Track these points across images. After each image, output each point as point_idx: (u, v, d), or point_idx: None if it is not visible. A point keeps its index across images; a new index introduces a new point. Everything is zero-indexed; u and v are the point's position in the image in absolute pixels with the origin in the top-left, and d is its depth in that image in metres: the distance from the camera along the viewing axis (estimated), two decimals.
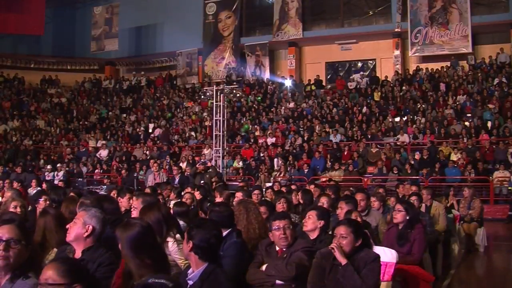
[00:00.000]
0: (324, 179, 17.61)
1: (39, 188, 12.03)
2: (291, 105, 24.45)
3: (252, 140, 21.86)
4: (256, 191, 8.49)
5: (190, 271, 3.52)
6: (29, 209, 7.00)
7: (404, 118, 21.21)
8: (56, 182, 17.33)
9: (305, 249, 4.39)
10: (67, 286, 2.59)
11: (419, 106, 21.52)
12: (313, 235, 5.03)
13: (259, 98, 25.75)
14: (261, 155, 20.18)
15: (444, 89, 22.32)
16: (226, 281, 3.43)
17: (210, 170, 16.44)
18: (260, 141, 21.66)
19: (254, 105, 25.08)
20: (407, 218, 6.17)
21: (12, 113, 27.55)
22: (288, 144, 20.86)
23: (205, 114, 24.68)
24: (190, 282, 3.42)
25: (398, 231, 6.29)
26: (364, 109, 22.52)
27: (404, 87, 23.35)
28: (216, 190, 9.05)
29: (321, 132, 21.21)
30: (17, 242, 2.97)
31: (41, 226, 4.59)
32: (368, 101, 23.24)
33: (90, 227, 3.76)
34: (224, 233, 4.49)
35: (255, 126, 23.22)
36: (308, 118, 22.68)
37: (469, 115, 20.37)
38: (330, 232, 4.84)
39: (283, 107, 24.35)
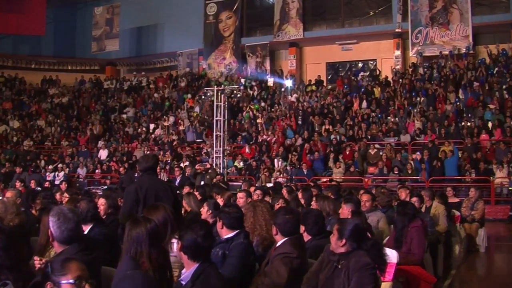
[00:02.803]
0: (324, 180, 17.64)
1: (39, 188, 12.07)
2: (293, 99, 24.44)
3: (253, 140, 21.88)
4: (258, 191, 8.48)
5: (183, 271, 3.57)
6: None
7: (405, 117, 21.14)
8: (56, 182, 17.37)
9: (283, 255, 4.29)
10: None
11: (419, 107, 21.45)
12: (305, 239, 5.00)
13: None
14: (262, 155, 20.18)
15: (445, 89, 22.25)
16: (217, 280, 3.43)
17: (210, 170, 16.47)
18: (260, 139, 21.68)
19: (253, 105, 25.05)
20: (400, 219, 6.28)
21: (13, 114, 27.57)
22: (289, 144, 20.85)
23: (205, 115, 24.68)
24: (183, 283, 3.46)
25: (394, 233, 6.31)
26: (364, 105, 22.47)
27: (404, 87, 23.25)
28: (215, 191, 9.03)
29: (321, 131, 21.24)
30: None
31: (45, 224, 4.57)
32: (369, 99, 23.18)
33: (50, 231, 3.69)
34: (232, 234, 4.53)
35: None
36: (308, 117, 22.65)
37: (469, 115, 20.32)
38: None
39: (283, 107, 24.31)
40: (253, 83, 26.60)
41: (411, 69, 24.55)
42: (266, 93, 25.83)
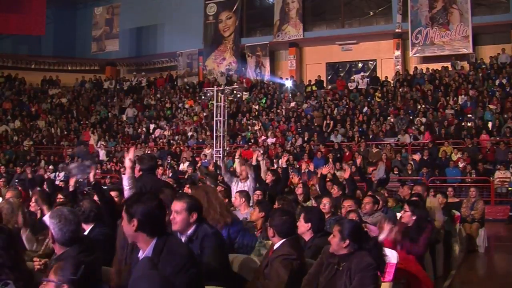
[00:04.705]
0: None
1: (38, 189, 12.02)
2: (292, 105, 24.44)
3: (252, 141, 21.87)
4: (258, 192, 8.48)
5: (140, 253, 3.25)
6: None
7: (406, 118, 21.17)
8: (57, 182, 17.35)
9: (283, 257, 4.21)
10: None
11: (419, 107, 21.51)
12: (306, 238, 4.99)
13: (263, 101, 25.57)
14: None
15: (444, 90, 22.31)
16: (184, 249, 3.24)
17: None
18: (260, 140, 21.67)
19: (254, 106, 25.06)
20: (414, 218, 6.20)
21: (13, 114, 27.55)
22: (289, 145, 20.86)
23: (205, 114, 24.69)
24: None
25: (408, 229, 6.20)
26: (365, 109, 22.51)
27: (404, 88, 23.29)
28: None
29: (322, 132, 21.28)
30: None
31: None
32: (369, 100, 23.24)
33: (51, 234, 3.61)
34: (192, 230, 4.27)
35: (254, 122, 23.22)
36: (309, 118, 22.69)
37: (469, 115, 20.36)
38: None
39: (283, 108, 24.33)
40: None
41: (412, 70, 24.65)
42: (265, 99, 25.77)
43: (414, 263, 5.72)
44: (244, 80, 26.59)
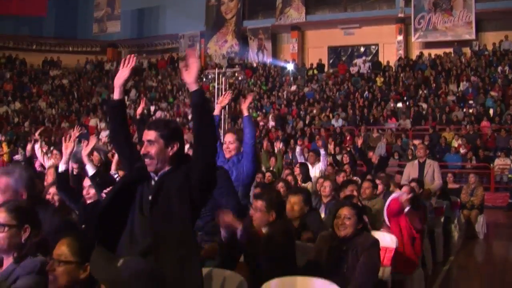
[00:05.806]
0: None
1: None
2: (293, 88, 24.41)
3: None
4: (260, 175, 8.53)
5: (152, 175, 3.05)
6: None
7: (406, 104, 21.13)
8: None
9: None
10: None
11: (420, 92, 21.48)
12: (296, 223, 4.95)
13: (264, 84, 25.55)
14: (262, 138, 20.17)
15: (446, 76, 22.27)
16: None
17: None
18: (261, 123, 21.64)
19: (255, 89, 25.01)
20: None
21: (13, 95, 27.52)
22: (290, 128, 20.85)
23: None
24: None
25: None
26: (366, 94, 22.48)
27: (406, 73, 23.25)
28: None
29: (323, 116, 21.24)
30: (3, 226, 2.85)
31: None
32: (370, 84, 23.20)
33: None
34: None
35: (258, 113, 23.16)
36: (310, 102, 22.66)
37: (471, 102, 20.34)
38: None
39: (285, 91, 24.30)
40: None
41: (415, 55, 24.58)
42: (266, 82, 25.73)
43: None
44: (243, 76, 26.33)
